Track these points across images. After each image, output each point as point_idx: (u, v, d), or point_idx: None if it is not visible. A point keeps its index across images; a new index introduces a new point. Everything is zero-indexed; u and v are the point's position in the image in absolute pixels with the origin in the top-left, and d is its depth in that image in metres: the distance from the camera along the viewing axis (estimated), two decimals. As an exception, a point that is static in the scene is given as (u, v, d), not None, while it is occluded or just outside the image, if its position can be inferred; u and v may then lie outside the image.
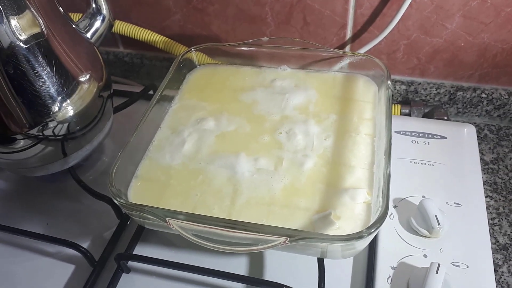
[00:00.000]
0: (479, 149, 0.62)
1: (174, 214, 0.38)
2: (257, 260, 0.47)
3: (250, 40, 0.55)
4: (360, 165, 0.44)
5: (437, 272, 0.41)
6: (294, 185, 0.43)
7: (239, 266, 0.47)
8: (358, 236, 0.34)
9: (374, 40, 0.61)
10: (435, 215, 0.46)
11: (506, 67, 0.62)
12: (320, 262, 0.43)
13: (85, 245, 0.49)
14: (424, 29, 0.61)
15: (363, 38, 0.63)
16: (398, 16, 0.57)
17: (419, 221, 0.47)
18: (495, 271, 0.49)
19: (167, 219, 0.37)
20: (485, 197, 0.56)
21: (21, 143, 0.47)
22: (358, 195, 0.40)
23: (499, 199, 0.56)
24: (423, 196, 0.50)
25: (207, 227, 0.37)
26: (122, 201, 0.39)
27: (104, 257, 0.48)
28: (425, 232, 0.46)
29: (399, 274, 0.44)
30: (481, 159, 0.61)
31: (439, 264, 0.42)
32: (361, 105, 0.49)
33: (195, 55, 0.56)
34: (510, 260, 0.50)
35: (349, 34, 0.64)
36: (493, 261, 0.49)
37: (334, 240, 0.35)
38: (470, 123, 0.61)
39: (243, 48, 0.56)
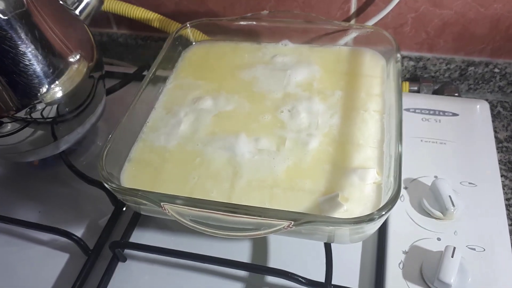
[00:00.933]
0: (493, 127, 0.59)
1: (170, 198, 0.35)
2: (261, 246, 0.44)
3: (248, 14, 0.52)
4: (369, 144, 0.41)
5: (452, 256, 0.39)
6: (298, 166, 0.40)
7: (242, 252, 0.44)
8: (369, 218, 0.32)
9: (380, 13, 0.58)
10: (449, 196, 0.43)
11: (521, 40, 0.59)
12: (327, 247, 0.40)
13: (79, 233, 0.47)
14: (433, 1, 0.57)
15: (369, 12, 0.60)
16: (406, -14, 0.54)
17: (431, 203, 0.44)
18: (512, 255, 0.47)
19: (162, 204, 0.35)
20: (500, 176, 0.53)
21: (8, 127, 0.45)
22: (368, 175, 0.38)
23: (515, 179, 0.53)
24: (435, 176, 0.47)
25: (205, 211, 0.34)
26: (113, 185, 0.37)
27: (99, 245, 0.46)
28: (438, 214, 0.44)
29: (412, 259, 0.41)
30: (495, 137, 0.58)
31: (454, 248, 0.39)
32: (369, 80, 0.46)
33: (190, 32, 0.53)
34: (527, 243, 0.47)
35: (353, 7, 0.60)
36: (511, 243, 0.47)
37: (343, 223, 0.32)
38: (482, 99, 0.58)
39: (241, 23, 0.53)
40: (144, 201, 0.36)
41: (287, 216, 0.32)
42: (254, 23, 0.53)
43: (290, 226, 0.32)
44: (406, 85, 0.62)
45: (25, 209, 0.51)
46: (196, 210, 0.34)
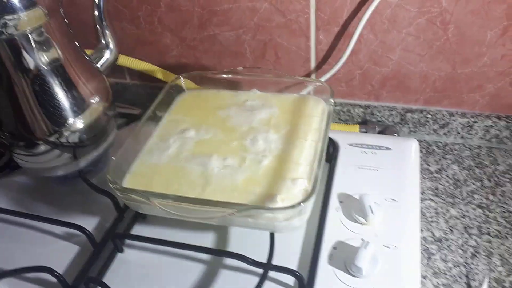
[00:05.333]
0: (426, 162, 0.72)
1: (156, 195, 0.49)
2: (224, 236, 0.58)
3: (227, 70, 0.68)
4: (304, 163, 0.55)
5: (365, 248, 0.51)
6: (252, 177, 0.54)
7: (209, 241, 0.58)
8: (290, 206, 0.46)
9: (332, 70, 0.73)
10: (369, 206, 0.56)
11: (445, 92, 0.73)
12: (272, 236, 0.54)
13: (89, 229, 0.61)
14: (373, 61, 0.73)
15: (324, 69, 0.76)
16: (348, 50, 0.69)
17: (358, 212, 0.57)
18: (429, 258, 0.59)
19: (150, 198, 0.49)
20: (427, 199, 0.66)
21: (42, 148, 0.60)
22: (299, 184, 0.51)
23: (439, 201, 0.66)
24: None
25: (177, 203, 0.48)
26: (117, 186, 0.51)
27: (104, 240, 0.59)
28: (362, 220, 0.56)
29: (339, 252, 0.54)
30: (427, 169, 0.72)
31: (367, 242, 0.52)
32: (311, 118, 0.61)
33: (183, 82, 0.69)
34: (442, 250, 0.60)
35: (312, 65, 0.76)
36: (428, 250, 0.59)
37: (270, 210, 0.46)
38: (420, 140, 0.71)
39: (222, 76, 0.69)
40: (138, 197, 0.50)
41: (232, 206, 0.47)
42: (232, 76, 0.68)
43: (233, 213, 0.46)
44: (357, 127, 0.77)
45: (47, 211, 0.65)
46: (172, 203, 0.49)
